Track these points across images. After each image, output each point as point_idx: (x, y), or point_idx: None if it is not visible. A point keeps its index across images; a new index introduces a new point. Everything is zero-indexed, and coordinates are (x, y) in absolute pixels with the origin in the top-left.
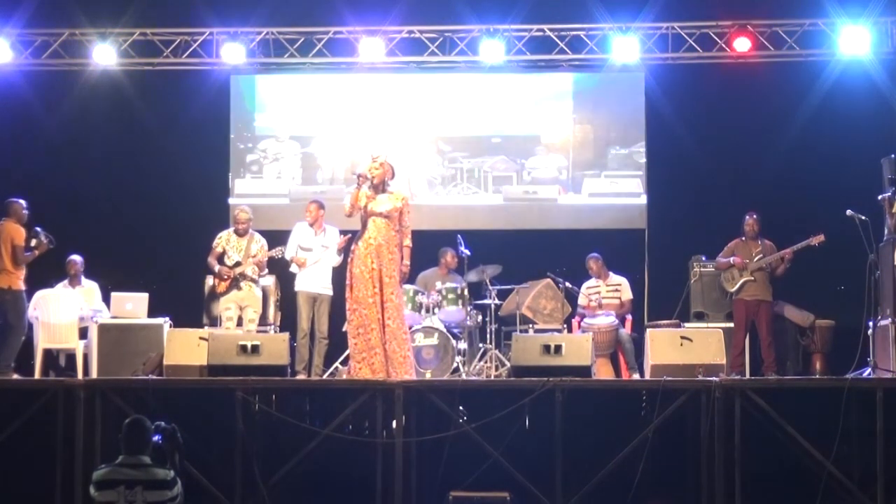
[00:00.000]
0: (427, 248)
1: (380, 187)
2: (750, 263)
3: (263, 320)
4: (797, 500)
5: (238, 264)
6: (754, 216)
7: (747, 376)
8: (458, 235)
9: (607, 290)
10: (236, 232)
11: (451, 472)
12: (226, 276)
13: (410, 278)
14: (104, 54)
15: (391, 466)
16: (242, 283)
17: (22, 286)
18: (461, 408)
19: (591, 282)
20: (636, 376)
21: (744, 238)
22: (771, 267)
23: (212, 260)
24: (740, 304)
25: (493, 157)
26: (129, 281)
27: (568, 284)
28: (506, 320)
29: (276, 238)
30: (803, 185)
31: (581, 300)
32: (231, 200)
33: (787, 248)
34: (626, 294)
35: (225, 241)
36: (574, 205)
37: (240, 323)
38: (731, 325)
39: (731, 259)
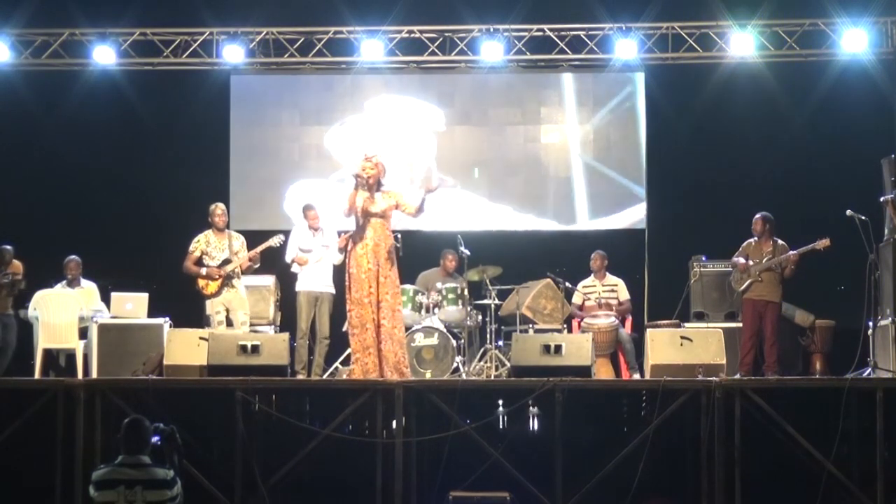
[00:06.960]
0: (427, 249)
1: (374, 187)
2: (755, 265)
3: (265, 320)
4: (797, 500)
5: (227, 262)
6: (762, 216)
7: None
8: (458, 236)
9: (603, 290)
10: (215, 230)
11: (451, 472)
12: (216, 276)
13: (411, 279)
14: (104, 54)
15: (391, 466)
16: (234, 282)
17: None
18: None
19: (588, 281)
20: (636, 376)
21: (756, 238)
22: (780, 267)
23: (189, 265)
24: (748, 303)
25: (492, 157)
26: (129, 281)
27: (568, 284)
28: (506, 320)
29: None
30: (803, 185)
31: (576, 299)
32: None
33: (794, 250)
34: (623, 294)
35: (204, 243)
36: (574, 205)
37: (230, 325)
38: (732, 325)
39: (738, 260)
